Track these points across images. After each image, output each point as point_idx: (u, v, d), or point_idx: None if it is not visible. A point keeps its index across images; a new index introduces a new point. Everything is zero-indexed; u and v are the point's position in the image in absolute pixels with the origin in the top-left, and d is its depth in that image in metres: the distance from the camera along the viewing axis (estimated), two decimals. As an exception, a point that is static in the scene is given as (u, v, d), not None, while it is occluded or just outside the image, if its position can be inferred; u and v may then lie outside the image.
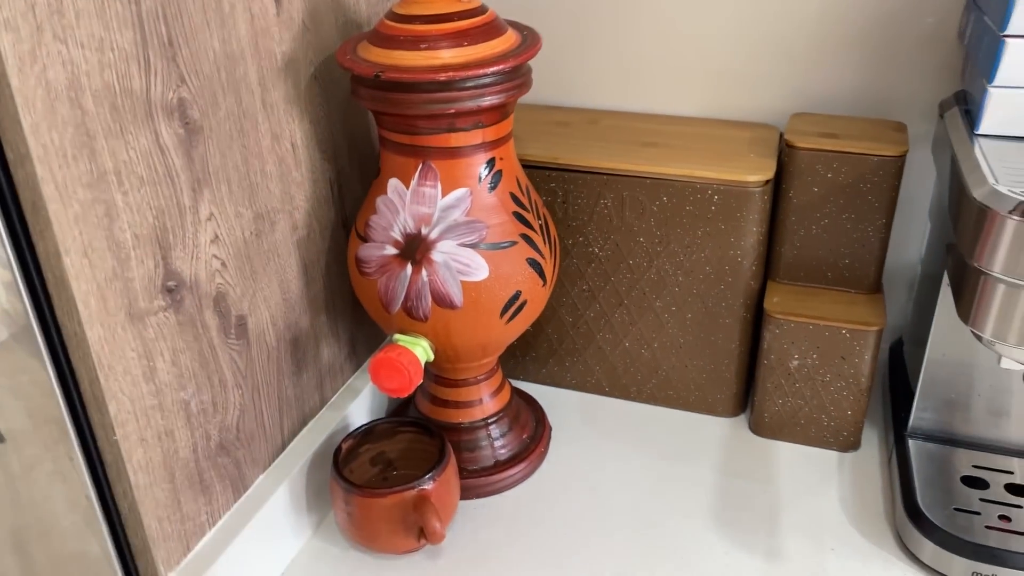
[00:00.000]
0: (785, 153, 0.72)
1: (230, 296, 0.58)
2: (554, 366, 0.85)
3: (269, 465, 0.66)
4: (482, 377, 0.73)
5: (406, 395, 0.63)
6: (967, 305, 0.56)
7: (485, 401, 0.74)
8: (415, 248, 0.62)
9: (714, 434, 0.80)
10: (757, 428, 0.79)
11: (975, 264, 0.54)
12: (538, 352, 0.85)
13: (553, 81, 0.87)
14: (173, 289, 0.53)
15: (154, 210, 0.50)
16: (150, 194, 0.50)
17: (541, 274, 0.65)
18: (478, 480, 0.72)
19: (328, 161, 0.68)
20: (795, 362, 0.74)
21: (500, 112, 0.61)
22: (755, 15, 0.78)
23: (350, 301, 0.75)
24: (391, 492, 0.62)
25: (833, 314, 0.72)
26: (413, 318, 0.63)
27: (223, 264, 0.57)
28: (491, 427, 0.74)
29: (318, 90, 0.65)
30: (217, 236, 0.56)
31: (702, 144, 0.77)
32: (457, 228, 0.61)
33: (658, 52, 0.82)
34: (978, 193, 0.54)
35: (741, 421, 0.81)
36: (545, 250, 0.66)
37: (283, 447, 0.67)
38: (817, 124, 0.75)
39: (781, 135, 0.77)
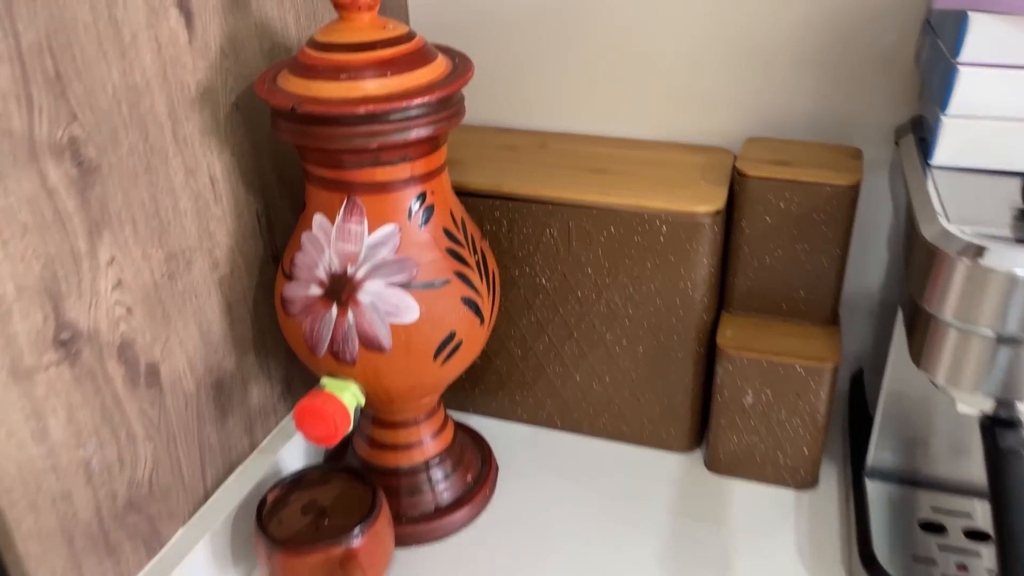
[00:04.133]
0: (736, 182, 0.69)
1: (138, 343, 0.54)
2: (503, 399, 0.82)
3: (189, 519, 0.62)
4: (422, 418, 0.69)
5: (333, 444, 0.59)
6: (918, 347, 0.53)
7: (425, 443, 0.70)
8: (341, 288, 0.58)
9: (668, 471, 0.76)
10: (712, 465, 0.76)
11: (925, 306, 0.51)
12: (486, 385, 0.81)
13: (501, 102, 0.84)
14: (67, 341, 0.49)
15: (42, 258, 0.46)
16: (36, 241, 0.46)
17: (478, 312, 0.62)
18: (417, 527, 0.69)
19: (254, 193, 0.64)
20: (749, 399, 0.71)
21: (430, 144, 0.58)
22: (711, 33, 0.75)
23: (283, 338, 0.71)
24: (315, 549, 0.58)
25: (787, 349, 0.69)
26: (340, 362, 0.60)
27: (128, 310, 0.53)
28: (432, 470, 0.70)
29: (240, 120, 0.61)
30: (121, 281, 0.52)
31: (652, 170, 0.74)
32: (385, 267, 0.58)
33: (609, 71, 0.79)
34: (928, 232, 0.51)
35: (696, 457, 0.78)
36: (482, 287, 0.62)
37: (205, 498, 0.63)
38: (771, 150, 0.72)
39: (735, 160, 0.74)
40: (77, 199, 0.48)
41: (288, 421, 0.73)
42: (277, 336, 0.70)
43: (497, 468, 0.76)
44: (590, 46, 0.78)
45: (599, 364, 0.76)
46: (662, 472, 0.76)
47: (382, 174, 0.57)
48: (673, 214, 0.68)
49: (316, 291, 0.59)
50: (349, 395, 0.60)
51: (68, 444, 0.50)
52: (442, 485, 0.71)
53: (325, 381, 0.61)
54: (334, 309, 0.58)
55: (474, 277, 0.61)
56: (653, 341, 0.74)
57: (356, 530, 0.59)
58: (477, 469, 0.74)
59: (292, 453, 0.71)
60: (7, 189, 0.44)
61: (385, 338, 0.58)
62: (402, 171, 0.57)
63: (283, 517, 0.65)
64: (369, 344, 0.58)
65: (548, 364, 0.78)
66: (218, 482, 0.65)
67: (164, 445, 0.58)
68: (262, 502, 0.62)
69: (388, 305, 0.58)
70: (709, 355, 0.74)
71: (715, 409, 0.73)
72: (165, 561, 0.59)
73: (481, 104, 0.84)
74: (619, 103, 0.80)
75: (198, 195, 0.58)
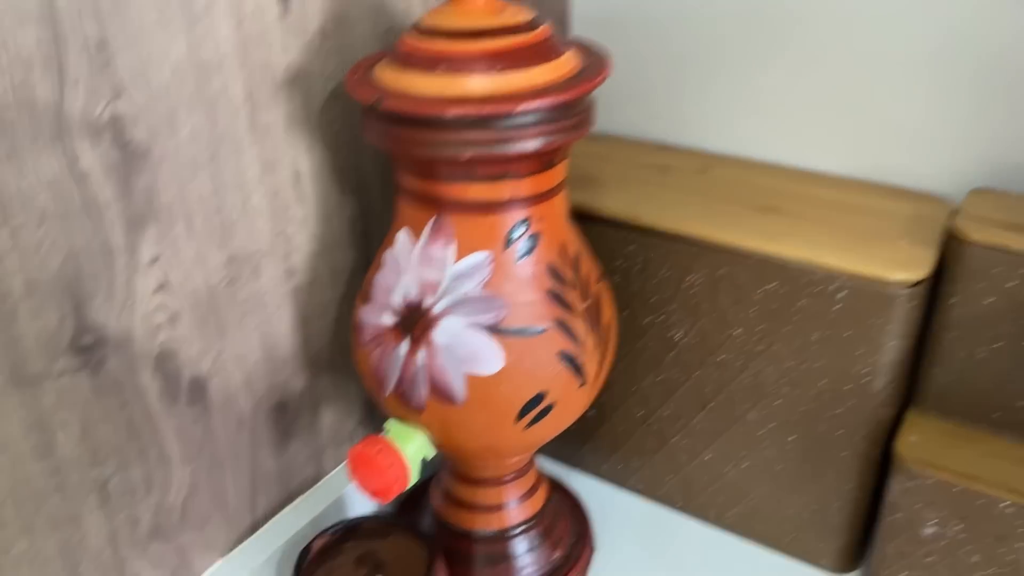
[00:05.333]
0: (951, 245, 0.52)
1: (182, 355, 0.48)
2: (617, 463, 0.69)
3: (229, 551, 0.55)
4: (508, 477, 0.59)
5: (387, 501, 0.50)
6: None
7: (510, 507, 0.59)
8: (415, 322, 0.48)
9: (809, 594, 0.61)
10: (869, 598, 0.59)
11: None
12: (598, 442, 0.69)
13: (663, 113, 0.71)
14: (89, 347, 0.42)
15: (63, 251, 0.40)
16: (57, 231, 0.40)
17: (578, 371, 0.50)
18: (486, 605, 0.58)
19: (348, 196, 0.56)
20: (930, 529, 0.54)
21: (541, 160, 0.47)
22: (947, 49, 0.58)
23: (369, 359, 0.63)
24: (348, 623, 0.49)
25: (992, 474, 0.52)
26: (407, 406, 0.50)
27: (172, 317, 0.46)
28: (515, 540, 0.60)
29: (339, 111, 0.53)
30: (165, 283, 0.45)
31: (838, 216, 0.58)
32: (468, 304, 0.47)
33: (804, 88, 0.64)
34: None
35: (849, 583, 0.62)
36: (588, 341, 0.50)
37: (253, 529, 0.56)
38: (1004, 208, 0.54)
39: (952, 215, 0.57)
40: (117, 186, 0.42)
41: (364, 452, 0.65)
42: (362, 357, 0.62)
43: (593, 548, 0.64)
44: (786, 56, 0.63)
45: (736, 446, 0.62)
46: (801, 594, 0.61)
47: (476, 191, 0.46)
48: (857, 278, 0.52)
49: (389, 320, 0.49)
50: (414, 447, 0.51)
51: (80, 462, 0.44)
52: (525, 559, 0.60)
53: (390, 426, 0.52)
54: (405, 344, 0.49)
55: (579, 328, 0.50)
56: (810, 431, 0.58)
57: (399, 608, 0.50)
58: (569, 545, 0.62)
59: (363, 489, 0.63)
60: (22, 169, 0.38)
61: (458, 388, 0.48)
62: (502, 190, 0.46)
63: (333, 567, 0.57)
64: (439, 392, 0.48)
65: (673, 434, 0.65)
66: (270, 513, 0.58)
67: (205, 468, 0.51)
68: (306, 550, 0.54)
69: (465, 350, 0.47)
70: (882, 461, 0.58)
71: (882, 531, 0.57)
72: (192, 597, 0.52)
73: (637, 113, 0.72)
74: (808, 127, 0.65)
75: (276, 193, 0.51)
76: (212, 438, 0.51)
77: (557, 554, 0.61)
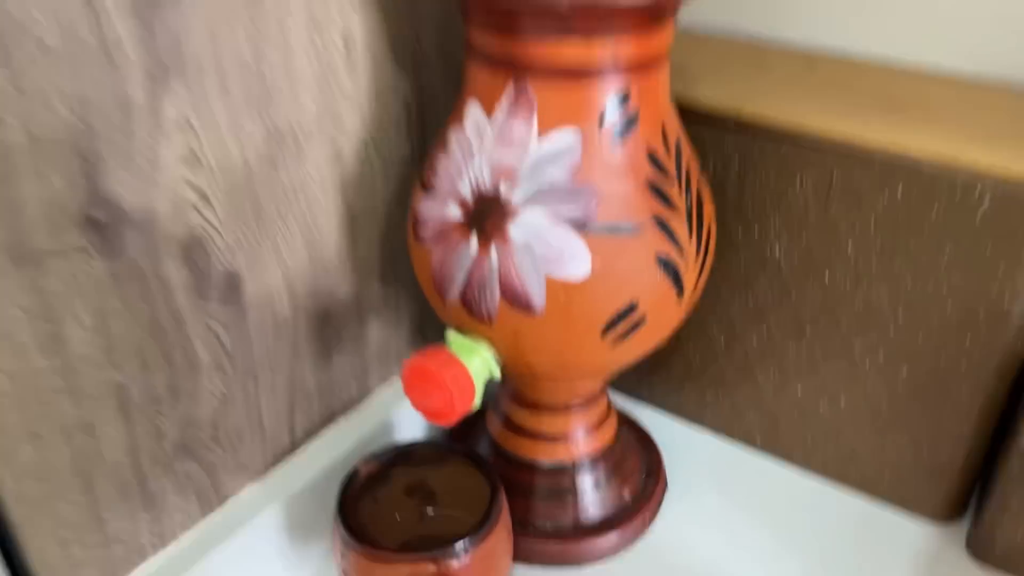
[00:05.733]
0: None
1: (214, 245, 0.41)
2: (689, 394, 0.62)
3: (264, 473, 0.49)
4: (576, 404, 0.52)
5: (449, 423, 0.43)
6: None
7: (577, 437, 0.53)
8: (487, 215, 0.41)
9: (909, 542, 0.54)
10: (980, 551, 0.52)
11: None
12: (669, 372, 0.62)
13: (759, 1, 0.61)
14: (102, 224, 0.35)
15: (72, 101, 0.33)
16: (64, 75, 0.32)
17: (676, 281, 0.43)
18: (548, 544, 0.52)
19: (405, 72, 0.48)
20: (1070, 479, 0.47)
21: (650, 16, 0.38)
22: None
23: (421, 268, 0.55)
24: (402, 558, 0.43)
25: None
26: (473, 315, 0.43)
27: (203, 197, 0.39)
28: (580, 475, 0.53)
29: (399, -35, 0.45)
30: (194, 153, 0.38)
31: (976, 114, 0.49)
32: (553, 194, 0.40)
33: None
34: None
35: (956, 534, 0.55)
36: (689, 246, 0.43)
37: (291, 450, 0.50)
38: None
39: (1117, 116, 0.48)
40: (137, 25, 0.34)
41: (412, 372, 0.58)
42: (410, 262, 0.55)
43: (666, 486, 0.57)
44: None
45: (835, 379, 0.54)
46: (900, 542, 0.54)
47: (570, 52, 0.38)
48: (1007, 183, 0.44)
49: (455, 213, 0.42)
50: (478, 361, 0.44)
51: (95, 362, 0.37)
52: (589, 497, 0.53)
53: (452, 337, 0.45)
54: (474, 242, 0.41)
55: (680, 229, 0.42)
56: (926, 364, 0.51)
57: (460, 545, 0.43)
58: (638, 484, 0.56)
59: (412, 413, 0.56)
60: (21, -9, 0.30)
61: (536, 295, 0.41)
62: (601, 51, 0.38)
63: (381, 495, 0.50)
64: (513, 299, 0.41)
65: (760, 365, 0.57)
66: (310, 433, 0.51)
67: (239, 379, 0.45)
68: (351, 477, 0.47)
69: (548, 249, 0.40)
70: (1011, 401, 0.50)
71: (1003, 478, 0.49)
72: (223, 521, 0.46)
73: (730, 5, 0.63)
74: (937, 20, 0.55)
75: (322, 57, 0.43)
76: (247, 345, 0.44)
77: (626, 491, 0.55)
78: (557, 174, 0.40)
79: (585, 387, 0.51)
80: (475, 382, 0.43)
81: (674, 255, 0.42)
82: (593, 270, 0.40)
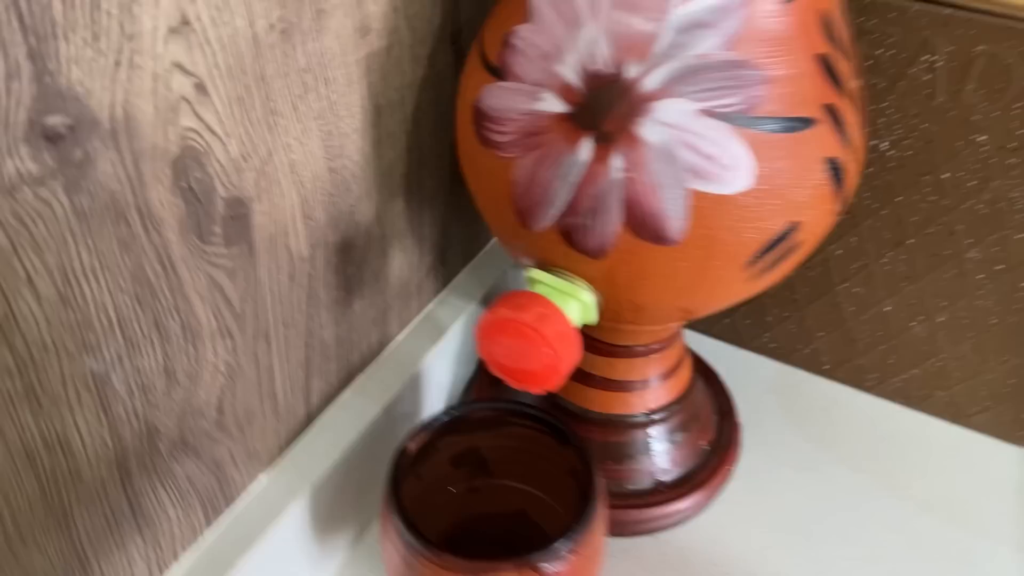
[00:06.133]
0: None
1: (214, 160, 0.28)
2: (746, 319, 0.53)
3: (278, 457, 0.37)
4: (654, 347, 0.42)
5: (551, 390, 0.33)
6: None
7: (651, 385, 0.43)
8: (605, 107, 0.29)
9: (1013, 476, 0.48)
10: (1082, 478, 0.47)
11: None
12: (728, 293, 0.53)
13: None
14: (61, 135, 0.22)
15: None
16: None
17: (839, 188, 0.33)
18: (625, 512, 0.43)
19: (443, -93, 0.35)
20: None
21: None
22: None
23: (447, 178, 0.43)
24: (490, 567, 0.33)
25: None
26: (575, 247, 0.32)
27: (199, 87, 0.26)
28: (654, 427, 0.44)
29: None
30: (185, 22, 0.25)
31: None
32: (703, 74, 0.28)
33: None
34: None
35: (1052, 460, 0.49)
36: (859, 141, 0.33)
37: (307, 423, 0.39)
38: None
39: None
40: None
41: (436, 305, 0.47)
42: (439, 172, 0.42)
43: (740, 429, 0.49)
44: None
45: (937, 293, 0.47)
46: (1007, 478, 0.48)
47: None
48: None
49: (553, 106, 0.30)
50: (576, 308, 0.33)
51: (60, 347, 0.24)
52: (665, 452, 0.45)
53: (539, 277, 0.33)
54: (586, 146, 0.30)
55: (852, 119, 0.32)
56: (1055, 275, 0.44)
57: (563, 541, 0.34)
58: (714, 431, 0.47)
59: (439, 360, 0.45)
60: None
61: (675, 217, 0.30)
62: None
63: (423, 471, 0.40)
64: (640, 224, 0.30)
65: (841, 278, 0.49)
66: (328, 399, 0.40)
67: (249, 345, 0.32)
68: (401, 453, 0.36)
69: (695, 154, 0.29)
70: None
71: None
72: (235, 528, 0.35)
73: None
74: None
75: None
76: (257, 296, 0.32)
77: (703, 441, 0.46)
78: (710, 46, 0.28)
79: (673, 327, 0.41)
80: (576, 334, 0.32)
81: (842, 154, 0.32)
82: (756, 180, 0.30)
